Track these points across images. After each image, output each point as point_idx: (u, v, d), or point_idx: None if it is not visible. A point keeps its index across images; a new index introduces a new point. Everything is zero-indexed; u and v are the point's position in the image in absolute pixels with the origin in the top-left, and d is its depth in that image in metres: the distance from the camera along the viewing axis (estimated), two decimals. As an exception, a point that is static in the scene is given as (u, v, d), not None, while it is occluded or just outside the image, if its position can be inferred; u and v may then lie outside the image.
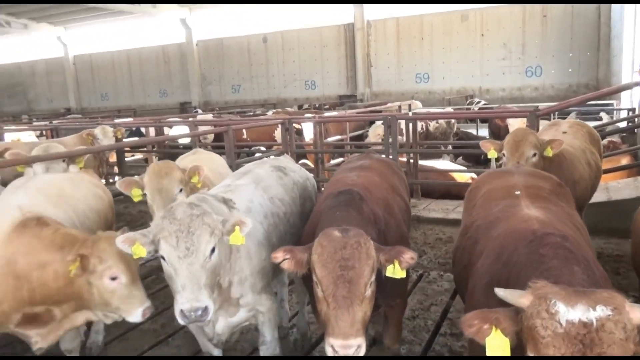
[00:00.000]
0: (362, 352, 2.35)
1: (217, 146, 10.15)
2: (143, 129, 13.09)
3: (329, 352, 2.35)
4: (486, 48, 23.58)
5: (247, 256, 3.10)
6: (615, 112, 15.54)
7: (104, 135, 9.34)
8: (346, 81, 26.95)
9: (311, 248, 2.51)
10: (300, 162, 8.44)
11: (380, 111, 14.13)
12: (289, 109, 20.74)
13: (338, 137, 10.25)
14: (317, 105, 22.44)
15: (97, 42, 32.17)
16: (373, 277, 2.45)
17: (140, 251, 2.69)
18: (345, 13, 25.65)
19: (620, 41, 16.92)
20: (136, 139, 11.76)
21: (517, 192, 2.92)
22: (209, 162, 5.43)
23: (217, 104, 28.54)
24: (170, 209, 2.72)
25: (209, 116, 11.82)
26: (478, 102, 19.75)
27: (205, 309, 2.55)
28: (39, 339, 3.27)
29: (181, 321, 2.60)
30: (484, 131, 14.11)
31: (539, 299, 1.74)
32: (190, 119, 10.53)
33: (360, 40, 25.45)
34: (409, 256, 2.54)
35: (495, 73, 23.64)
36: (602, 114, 16.47)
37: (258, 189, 3.64)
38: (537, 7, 22.27)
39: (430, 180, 8.60)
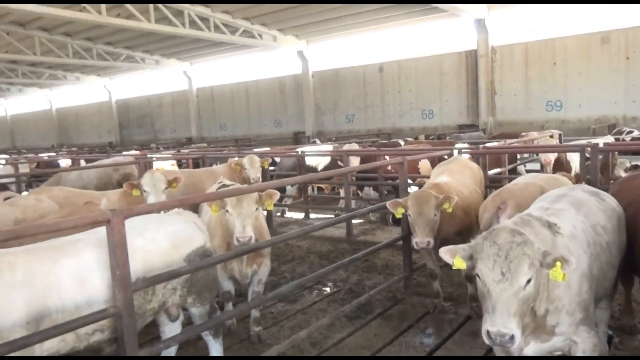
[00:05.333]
0: None
1: (364, 177, 9.57)
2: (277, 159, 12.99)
3: None
4: (632, 72, 21.17)
5: (566, 285, 3.00)
6: None
7: (252, 165, 9.22)
8: (467, 110, 25.64)
9: None
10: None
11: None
12: (408, 139, 19.97)
13: (497, 170, 9.22)
14: (435, 136, 21.45)
15: (218, 75, 33.92)
16: None
17: (460, 264, 2.86)
18: (468, 39, 24.56)
19: None
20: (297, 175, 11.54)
21: None
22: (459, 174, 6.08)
23: (331, 134, 28.44)
24: (492, 230, 2.77)
25: (354, 146, 11.31)
26: (630, 132, 17.61)
27: (512, 338, 2.56)
28: None
29: (486, 341, 2.65)
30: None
31: None
32: (338, 150, 10.02)
33: (484, 67, 24.14)
34: None
35: (643, 99, 21.09)
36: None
37: (579, 215, 3.46)
38: (698, 24, 19.67)
39: None
